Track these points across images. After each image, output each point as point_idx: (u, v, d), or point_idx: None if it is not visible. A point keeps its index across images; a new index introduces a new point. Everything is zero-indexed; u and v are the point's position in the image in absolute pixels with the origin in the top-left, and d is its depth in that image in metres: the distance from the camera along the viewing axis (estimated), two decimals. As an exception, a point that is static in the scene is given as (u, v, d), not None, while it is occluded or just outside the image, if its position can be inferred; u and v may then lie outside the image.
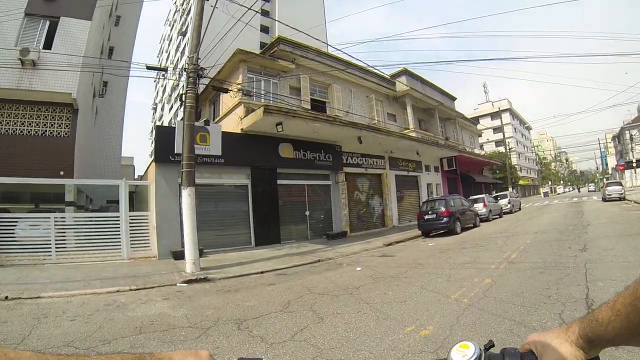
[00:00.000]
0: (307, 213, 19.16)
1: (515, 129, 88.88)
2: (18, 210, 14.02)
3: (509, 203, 30.42)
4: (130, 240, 13.39)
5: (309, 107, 20.16)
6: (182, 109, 11.94)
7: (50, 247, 12.22)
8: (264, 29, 47.67)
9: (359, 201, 22.82)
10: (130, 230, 13.43)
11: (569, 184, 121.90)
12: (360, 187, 23.09)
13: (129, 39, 31.08)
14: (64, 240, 12.87)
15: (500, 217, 27.05)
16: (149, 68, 12.82)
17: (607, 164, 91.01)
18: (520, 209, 33.27)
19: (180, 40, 50.08)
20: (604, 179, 62.76)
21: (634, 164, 53.30)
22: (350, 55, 43.42)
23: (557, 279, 6.66)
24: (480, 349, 0.92)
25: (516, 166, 72.08)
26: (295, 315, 5.90)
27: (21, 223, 12.45)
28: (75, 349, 4.71)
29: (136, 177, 32.71)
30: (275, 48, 19.73)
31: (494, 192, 36.70)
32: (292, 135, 17.58)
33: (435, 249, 13.56)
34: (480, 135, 52.78)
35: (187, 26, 41.33)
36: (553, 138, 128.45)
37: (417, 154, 26.91)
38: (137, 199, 17.44)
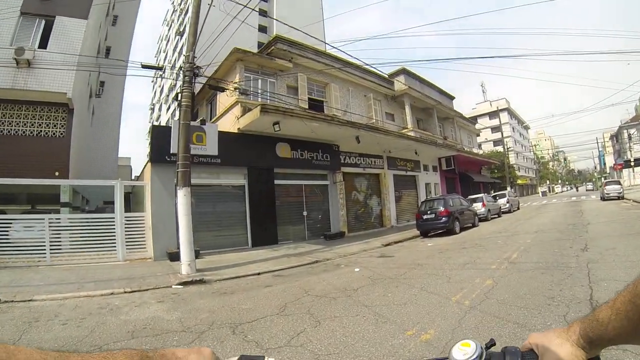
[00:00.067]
0: (305, 213, 19.02)
1: (513, 128, 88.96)
2: (14, 211, 13.89)
3: (507, 202, 30.44)
4: (126, 242, 13.25)
5: (307, 107, 20.01)
6: (178, 108, 11.81)
7: (45, 249, 12.04)
8: (262, 29, 47.53)
9: (356, 201, 22.68)
10: (126, 231, 13.30)
11: (567, 183, 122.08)
12: (358, 187, 22.96)
13: (126, 38, 30.91)
14: (59, 241, 12.74)
15: (499, 216, 27.04)
16: (144, 67, 12.65)
17: (605, 163, 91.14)
18: (518, 209, 33.25)
19: (177, 40, 49.94)
20: (602, 178, 62.81)
21: (632, 163, 53.32)
22: (348, 54, 43.31)
23: (559, 280, 6.54)
24: (481, 348, 0.93)
25: (514, 165, 72.10)
26: (292, 319, 5.75)
27: (15, 224, 12.31)
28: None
29: (133, 177, 32.54)
30: (273, 47, 19.59)
31: (492, 192, 36.60)
32: (289, 135, 17.45)
33: (435, 249, 13.44)
34: (478, 135, 52.77)
35: (185, 26, 41.12)
36: (551, 137, 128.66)
37: (416, 153, 26.80)
38: (133, 200, 17.30)
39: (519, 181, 75.40)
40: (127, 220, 13.47)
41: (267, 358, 0.91)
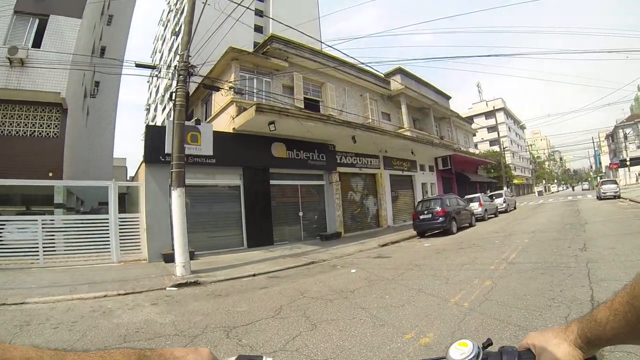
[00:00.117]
0: (301, 214, 18.92)
1: (509, 128, 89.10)
2: (8, 213, 13.73)
3: (504, 202, 30.41)
4: (120, 243, 13.09)
5: (303, 106, 19.90)
6: (172, 108, 11.69)
7: (38, 251, 11.87)
8: (258, 29, 47.45)
9: (353, 201, 22.60)
10: (120, 232, 13.13)
11: (563, 182, 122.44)
12: (355, 187, 22.88)
13: (121, 38, 30.77)
14: (53, 243, 12.55)
15: (496, 216, 26.99)
16: (138, 65, 12.55)
17: (600, 163, 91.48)
18: (515, 208, 33.23)
19: (173, 40, 49.75)
20: (598, 178, 63.00)
21: (628, 163, 53.45)
22: (344, 53, 43.14)
23: (559, 280, 6.45)
24: (478, 347, 0.92)
25: (510, 165, 72.21)
26: (287, 322, 5.63)
27: (9, 226, 12.16)
28: None
29: (128, 178, 32.40)
30: (268, 46, 19.46)
31: (489, 191, 36.58)
32: (285, 135, 17.35)
33: (432, 249, 13.35)
34: (474, 135, 52.80)
35: (181, 26, 40.99)
36: (547, 137, 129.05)
37: (412, 153, 26.74)
38: (129, 201, 17.16)
39: (515, 181, 75.52)
40: (122, 222, 13.30)
41: (265, 358, 0.91)
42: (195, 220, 14.28)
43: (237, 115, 16.28)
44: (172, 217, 10.92)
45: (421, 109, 32.50)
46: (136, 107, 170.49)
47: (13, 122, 15.61)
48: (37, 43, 15.90)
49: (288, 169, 18.36)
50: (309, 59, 21.03)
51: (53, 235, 12.75)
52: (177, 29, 46.28)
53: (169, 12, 57.13)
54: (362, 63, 25.12)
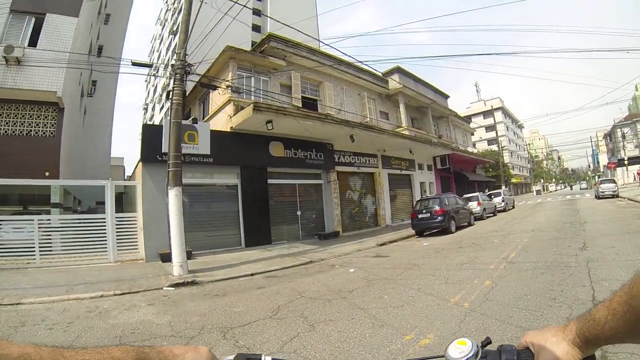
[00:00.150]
0: (299, 213, 18.85)
1: (507, 127, 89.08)
2: (5, 213, 13.62)
3: (502, 201, 30.40)
4: (117, 243, 13.03)
5: (300, 105, 19.82)
6: (169, 106, 11.63)
7: (34, 251, 11.79)
8: (256, 28, 47.42)
9: (351, 200, 22.54)
10: (117, 232, 13.08)
11: (561, 182, 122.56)
12: (353, 186, 22.82)
13: (119, 37, 30.64)
14: (49, 243, 12.50)
15: (495, 215, 26.93)
16: (134, 64, 12.43)
17: (598, 162, 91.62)
18: (514, 207, 33.25)
19: (171, 40, 49.61)
20: (596, 177, 63.02)
21: (626, 162, 53.48)
22: (342, 52, 43.11)
23: (560, 280, 6.39)
24: (477, 346, 0.93)
25: (509, 164, 72.19)
26: (285, 323, 5.56)
27: (5, 226, 12.08)
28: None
29: (126, 178, 32.30)
30: (266, 45, 19.36)
31: (487, 190, 36.55)
32: (282, 134, 17.29)
33: (431, 248, 13.29)
34: (472, 134, 52.80)
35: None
36: (545, 137, 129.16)
37: (410, 152, 26.70)
38: (126, 200, 17.08)
39: (514, 180, 75.50)
40: (118, 221, 13.24)
41: (264, 356, 0.92)
42: (192, 220, 14.22)
43: (234, 114, 16.20)
44: (169, 216, 10.85)
45: (419, 108, 32.46)
46: (135, 107, 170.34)
47: (9, 121, 15.48)
48: (33, 42, 15.77)
49: (286, 168, 18.29)
50: (307, 58, 20.95)
51: (50, 235, 12.70)
52: (174, 28, 46.16)
53: (166, 11, 56.97)
54: (360, 61, 24.99)
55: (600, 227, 13.08)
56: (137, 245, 13.48)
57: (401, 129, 27.41)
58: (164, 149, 11.62)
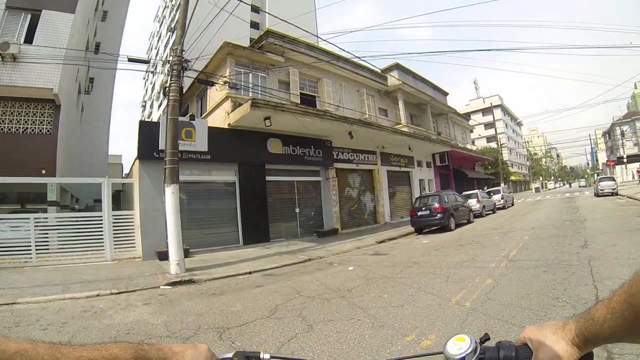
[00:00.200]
0: (297, 210, 18.76)
1: (506, 124, 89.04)
2: (3, 211, 13.51)
3: (502, 199, 30.32)
4: (114, 241, 12.92)
5: (299, 102, 19.73)
6: (166, 103, 11.53)
7: (31, 249, 11.69)
8: (254, 25, 47.29)
9: (350, 197, 22.46)
10: (114, 230, 12.96)
11: (560, 179, 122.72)
12: (352, 183, 22.73)
13: (116, 34, 30.55)
14: (46, 241, 12.37)
15: (494, 212, 26.86)
16: (130, 60, 12.34)
17: (597, 160, 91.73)
18: (513, 205, 33.27)
19: (169, 37, 49.39)
20: (595, 175, 63.09)
21: (625, 160, 53.52)
22: (340, 48, 43.06)
23: (562, 279, 6.30)
24: (476, 342, 0.92)
25: (508, 162, 72.19)
26: (283, 323, 5.45)
27: (1, 224, 11.98)
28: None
29: (124, 175, 32.23)
30: (264, 41, 19.28)
31: (486, 188, 36.51)
32: (281, 130, 17.18)
33: (430, 246, 13.20)
34: (472, 131, 52.75)
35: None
36: (543, 134, 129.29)
37: (409, 149, 26.62)
38: (124, 198, 16.98)
39: (512, 177, 75.61)
40: (115, 219, 13.11)
41: (262, 354, 0.92)
42: (190, 217, 14.16)
43: (232, 111, 16.09)
44: (166, 214, 10.75)
45: (418, 105, 32.36)
46: (134, 104, 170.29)
47: (5, 118, 15.36)
48: (29, 39, 15.64)
49: (284, 165, 18.20)
50: (305, 54, 20.87)
51: (47, 233, 12.59)
52: (172, 26, 45.99)
53: (164, 9, 56.82)
54: (357, 57, 24.93)
55: (600, 225, 13.02)
56: (134, 243, 13.36)
57: (400, 125, 27.33)
58: (161, 146, 11.49)
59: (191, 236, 13.65)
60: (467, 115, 54.63)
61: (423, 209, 18.24)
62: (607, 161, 67.79)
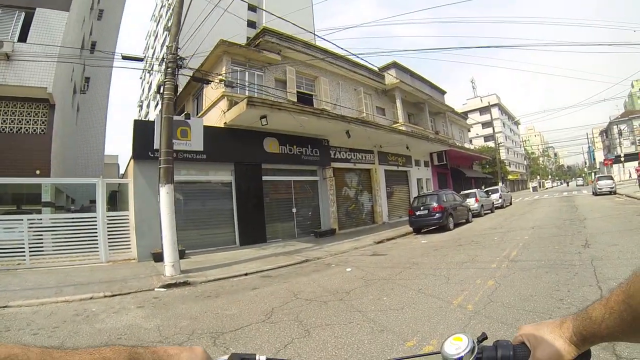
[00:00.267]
0: (294, 210, 18.60)
1: (504, 123, 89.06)
2: (-2, 212, 13.39)
3: (500, 198, 30.30)
4: (109, 242, 12.76)
5: (296, 100, 19.59)
6: (160, 102, 11.39)
7: (24, 251, 11.53)
8: (251, 24, 47.19)
9: (347, 197, 22.32)
10: (109, 231, 12.80)
11: (557, 178, 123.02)
12: (349, 182, 22.60)
13: (112, 33, 30.38)
14: (40, 243, 12.23)
15: (492, 212, 26.81)
16: (124, 58, 12.19)
17: (594, 159, 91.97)
18: (511, 204, 33.31)
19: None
20: (592, 174, 63.24)
21: (622, 159, 53.60)
22: (338, 46, 42.84)
23: (565, 280, 6.18)
24: (473, 342, 0.92)
25: (505, 161, 72.25)
26: (279, 327, 5.28)
27: (-4, 226, 11.83)
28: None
29: (120, 175, 32.09)
30: (260, 39, 19.13)
31: (484, 187, 36.47)
32: (277, 129, 17.01)
33: (429, 246, 13.07)
34: (469, 130, 52.73)
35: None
36: (541, 133, 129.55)
37: (407, 148, 26.47)
38: (120, 199, 16.86)
39: (510, 176, 75.65)
40: (110, 220, 12.95)
41: (258, 356, 0.91)
42: (185, 218, 14.04)
43: (228, 110, 15.94)
44: (160, 215, 10.60)
45: (416, 103, 32.25)
46: (132, 104, 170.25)
47: (-2, 118, 15.23)
48: (23, 37, 15.49)
49: (281, 165, 18.04)
50: (302, 52, 20.73)
51: (41, 234, 12.44)
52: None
53: (161, 8, 56.62)
54: (353, 54, 24.84)
55: (600, 224, 12.94)
56: (129, 244, 13.21)
57: (398, 124, 27.21)
58: (156, 145, 11.34)
59: (187, 237, 13.50)
60: (464, 114, 54.62)
61: (421, 208, 18.13)
62: (604, 160, 67.97)
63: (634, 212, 15.41)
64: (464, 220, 20.53)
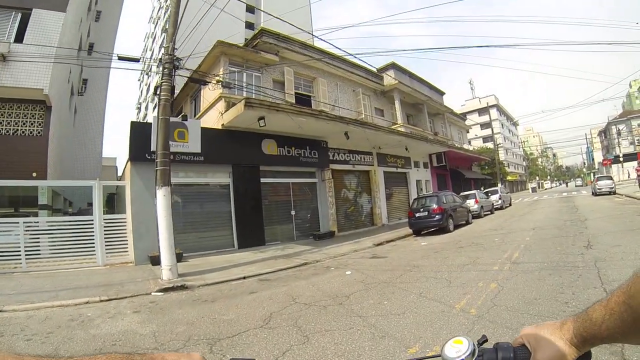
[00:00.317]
0: (293, 212, 18.47)
1: (502, 124, 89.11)
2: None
3: (499, 199, 30.23)
4: (106, 245, 12.60)
5: (294, 101, 19.48)
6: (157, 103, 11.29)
7: (21, 254, 11.40)
8: (249, 26, 47.16)
9: (346, 199, 22.22)
10: (106, 234, 12.64)
11: (556, 179, 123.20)
12: (348, 184, 22.50)
13: (110, 35, 30.33)
14: (37, 246, 12.08)
15: (492, 213, 26.75)
16: (120, 58, 12.09)
17: (593, 159, 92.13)
18: (510, 205, 33.27)
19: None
20: (591, 174, 63.32)
21: (621, 159, 53.60)
22: (336, 47, 42.89)
23: (569, 282, 6.08)
24: (473, 344, 0.92)
25: (504, 162, 72.27)
26: (277, 333, 5.15)
27: (-8, 229, 11.71)
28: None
29: (118, 178, 32.01)
30: (258, 40, 19.04)
31: (483, 188, 36.43)
32: (275, 131, 16.89)
33: (429, 248, 12.95)
34: (468, 131, 52.69)
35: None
36: (539, 134, 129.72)
37: (406, 149, 26.42)
38: (118, 201, 16.72)
39: (509, 177, 75.66)
40: (107, 223, 12.81)
41: None
42: (183, 221, 13.98)
43: (225, 111, 15.84)
44: (157, 217, 10.47)
45: (415, 104, 32.18)
46: (131, 107, 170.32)
47: (-6, 120, 15.12)
48: (19, 38, 15.40)
49: (279, 167, 17.92)
50: (300, 53, 20.61)
51: (37, 238, 12.30)
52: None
53: (159, 9, 56.58)
54: (349, 54, 24.74)
55: (602, 225, 12.85)
56: (126, 247, 13.06)
57: (397, 125, 27.11)
58: (153, 147, 11.23)
59: (185, 240, 13.42)
60: (463, 115, 54.62)
61: (421, 210, 18.00)
62: (603, 160, 67.97)
63: (634, 212, 15.35)
64: (464, 222, 20.42)
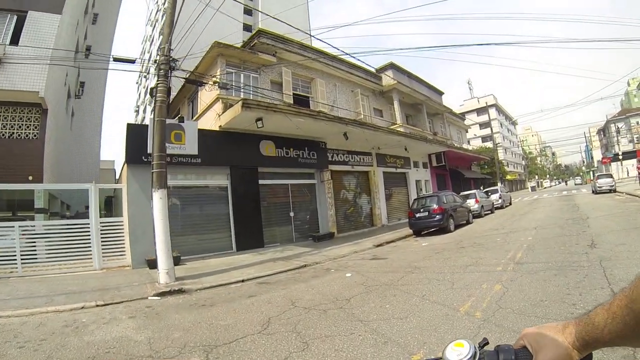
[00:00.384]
0: (292, 214, 18.34)
1: (501, 124, 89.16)
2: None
3: (500, 198, 30.12)
4: (103, 249, 12.45)
5: (292, 102, 19.35)
6: (153, 104, 11.15)
7: (16, 259, 11.24)
8: (247, 28, 47.10)
9: (346, 200, 22.09)
10: (102, 237, 12.49)
11: (555, 177, 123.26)
12: (347, 185, 22.37)
13: (108, 37, 30.25)
14: (33, 250, 11.97)
15: (492, 212, 26.62)
16: (115, 60, 11.96)
17: (592, 158, 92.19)
18: (510, 204, 33.16)
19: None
20: (591, 172, 63.32)
21: (621, 157, 53.55)
22: (333, 47, 42.79)
23: (576, 282, 5.94)
24: (475, 347, 0.92)
25: (503, 161, 72.24)
26: (276, 339, 4.98)
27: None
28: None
29: (115, 181, 31.92)
30: (256, 41, 18.92)
31: (482, 188, 36.34)
32: (273, 132, 16.80)
33: (430, 249, 12.81)
34: (467, 131, 52.65)
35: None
36: (538, 133, 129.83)
37: (406, 149, 26.33)
38: (116, 204, 16.60)
39: (508, 176, 75.66)
40: (103, 226, 12.65)
41: None
42: (181, 223, 13.88)
43: (223, 112, 15.70)
44: (154, 220, 10.33)
45: (414, 104, 32.11)
46: (129, 110, 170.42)
47: (-11, 123, 15.00)
48: (15, 40, 15.29)
49: (278, 168, 17.78)
50: (298, 54, 20.53)
51: (33, 242, 12.17)
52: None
53: (157, 12, 56.50)
54: (347, 54, 24.67)
55: (604, 223, 12.74)
56: (123, 251, 12.91)
57: (396, 126, 27.03)
58: (149, 149, 11.09)
59: (182, 243, 13.28)
60: (462, 115, 54.55)
61: (421, 210, 17.87)
62: (602, 158, 67.95)
63: (636, 210, 15.30)
64: (465, 222, 20.29)
